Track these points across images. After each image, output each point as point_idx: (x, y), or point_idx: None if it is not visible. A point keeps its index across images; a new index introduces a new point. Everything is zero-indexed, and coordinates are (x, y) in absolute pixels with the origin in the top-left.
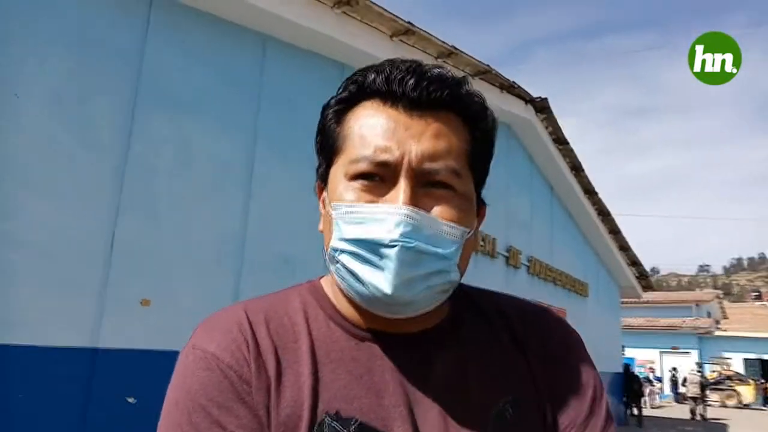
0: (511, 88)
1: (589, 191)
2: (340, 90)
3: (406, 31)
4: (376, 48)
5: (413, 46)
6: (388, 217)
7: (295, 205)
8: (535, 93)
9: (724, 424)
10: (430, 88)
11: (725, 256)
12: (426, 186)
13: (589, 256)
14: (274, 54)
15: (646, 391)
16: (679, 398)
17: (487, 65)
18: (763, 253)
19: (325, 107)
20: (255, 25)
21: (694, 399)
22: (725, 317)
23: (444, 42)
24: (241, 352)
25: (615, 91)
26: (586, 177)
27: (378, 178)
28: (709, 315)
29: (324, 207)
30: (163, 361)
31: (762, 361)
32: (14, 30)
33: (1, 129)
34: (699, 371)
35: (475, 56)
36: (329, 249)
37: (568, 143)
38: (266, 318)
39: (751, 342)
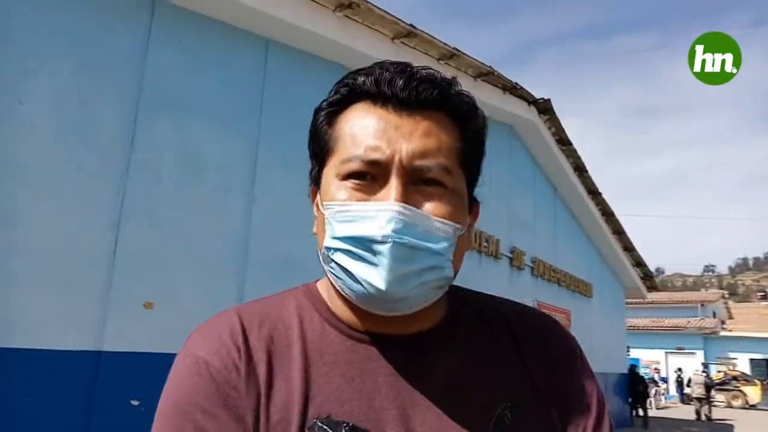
0: (513, 90)
1: (593, 191)
2: (331, 93)
3: (407, 34)
4: (377, 50)
5: (415, 49)
6: (380, 214)
7: (297, 208)
8: (538, 94)
9: (730, 425)
10: (419, 88)
11: (731, 256)
12: (417, 183)
13: (593, 256)
14: (275, 57)
15: (652, 391)
16: (685, 399)
17: (490, 66)
18: None
19: (317, 110)
20: (257, 28)
21: (699, 400)
22: (731, 317)
23: (446, 44)
24: (231, 358)
25: (619, 91)
26: (589, 177)
27: (369, 177)
28: (714, 315)
29: (317, 209)
30: (167, 364)
31: None
32: (17, 36)
33: (5, 134)
34: (704, 372)
35: (478, 58)
36: (323, 248)
37: (571, 144)
38: (260, 322)
39: (757, 342)
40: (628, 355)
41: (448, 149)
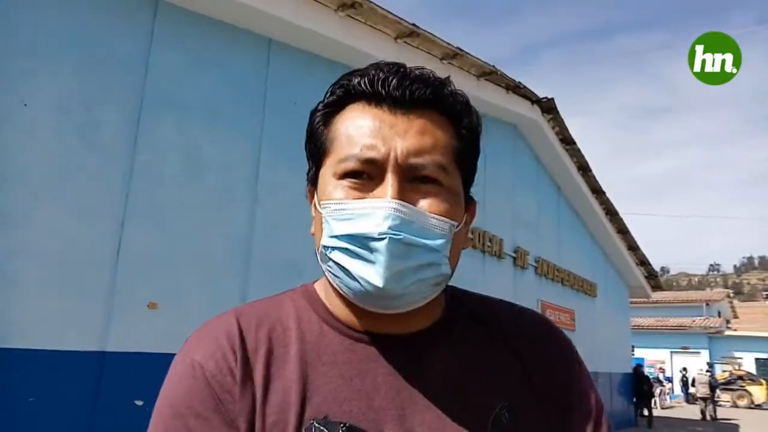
0: (517, 89)
1: (597, 191)
2: (327, 94)
3: (410, 33)
4: (380, 50)
5: (418, 48)
6: (376, 211)
7: (300, 209)
8: (542, 93)
9: (735, 425)
10: (412, 87)
11: (736, 255)
12: (413, 181)
13: (598, 256)
14: (278, 57)
15: (656, 391)
16: (690, 399)
17: (493, 66)
18: None
19: (314, 112)
20: (259, 28)
21: (703, 399)
22: (736, 317)
23: (449, 43)
24: (226, 361)
25: (621, 92)
26: (593, 176)
27: (366, 176)
28: (719, 314)
29: (315, 209)
30: (170, 364)
31: None
32: (19, 37)
33: (10, 137)
34: (708, 371)
35: (481, 57)
36: (320, 247)
37: (575, 143)
38: (258, 323)
39: (763, 341)
40: (633, 354)
41: (443, 147)
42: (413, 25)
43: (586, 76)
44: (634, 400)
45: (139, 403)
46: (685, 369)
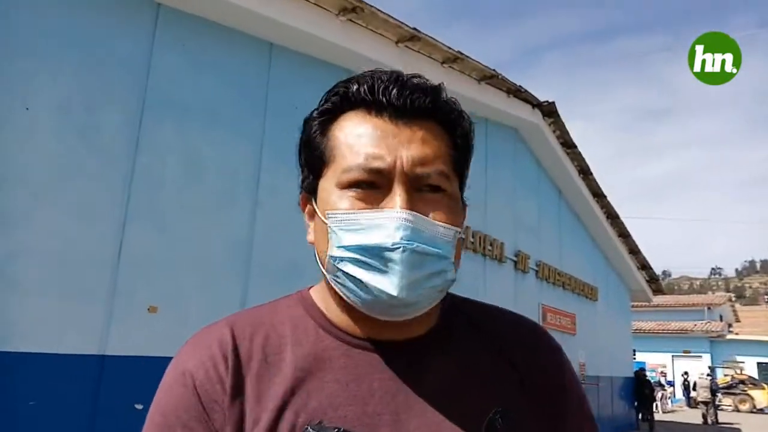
0: (517, 93)
1: (598, 194)
2: (322, 102)
3: (411, 37)
4: (381, 54)
5: (419, 52)
6: (388, 222)
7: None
8: (542, 98)
9: (737, 429)
10: (412, 97)
11: (737, 259)
12: (418, 190)
13: (599, 259)
14: (279, 61)
15: (658, 395)
16: (691, 403)
17: (494, 70)
18: None
19: (308, 120)
20: (260, 32)
21: (705, 404)
22: (738, 320)
23: (450, 47)
24: (217, 370)
25: (622, 94)
26: (594, 180)
27: (370, 186)
28: (721, 318)
29: (312, 218)
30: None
31: None
32: (20, 39)
33: (11, 140)
34: (709, 375)
35: (482, 61)
36: (328, 258)
37: (575, 147)
38: (252, 331)
39: (765, 345)
40: (634, 358)
41: (444, 156)
42: (414, 29)
43: (587, 78)
44: (636, 404)
45: (139, 406)
46: (686, 373)
